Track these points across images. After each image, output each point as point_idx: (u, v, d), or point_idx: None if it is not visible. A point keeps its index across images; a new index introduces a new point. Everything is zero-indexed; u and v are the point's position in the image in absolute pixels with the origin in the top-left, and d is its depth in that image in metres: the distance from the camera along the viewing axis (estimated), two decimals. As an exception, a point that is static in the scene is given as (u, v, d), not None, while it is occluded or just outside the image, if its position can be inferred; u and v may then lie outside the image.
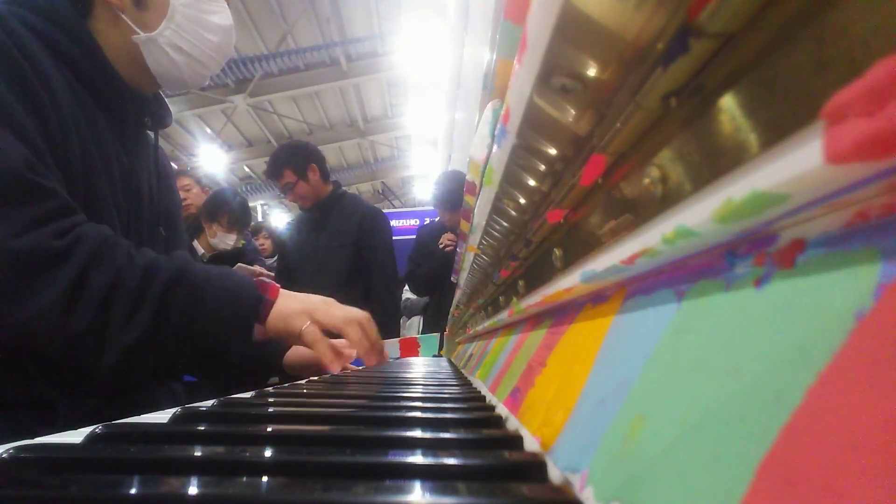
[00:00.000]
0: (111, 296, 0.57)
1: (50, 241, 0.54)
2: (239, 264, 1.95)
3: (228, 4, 0.80)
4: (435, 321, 2.34)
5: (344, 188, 2.16)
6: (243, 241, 2.20)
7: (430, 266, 2.27)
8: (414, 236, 2.49)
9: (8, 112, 0.56)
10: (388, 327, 1.97)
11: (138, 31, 0.71)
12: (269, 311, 0.67)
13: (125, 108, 0.73)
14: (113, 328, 0.57)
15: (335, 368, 0.69)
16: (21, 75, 0.58)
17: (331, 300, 0.74)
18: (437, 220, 2.35)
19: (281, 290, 0.70)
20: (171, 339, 0.61)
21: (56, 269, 0.54)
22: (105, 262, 0.57)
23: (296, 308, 0.69)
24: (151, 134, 0.82)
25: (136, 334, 0.57)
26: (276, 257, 2.68)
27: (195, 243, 2.07)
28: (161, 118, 0.81)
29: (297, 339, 0.69)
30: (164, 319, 0.59)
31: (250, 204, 2.56)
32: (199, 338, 0.63)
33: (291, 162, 1.95)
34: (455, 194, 2.09)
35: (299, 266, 2.04)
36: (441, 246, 2.20)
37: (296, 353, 0.82)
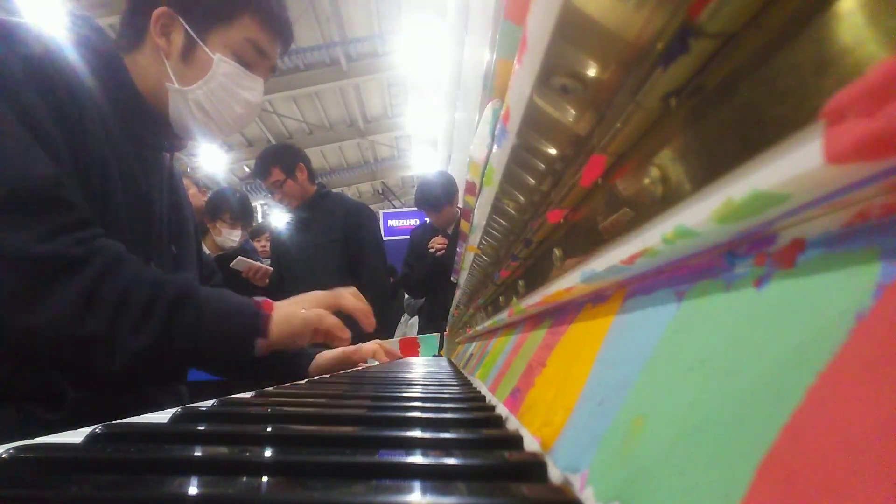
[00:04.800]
0: (121, 305, 0.59)
1: (70, 249, 0.57)
2: (239, 257, 1.95)
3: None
4: (429, 321, 2.34)
5: (342, 188, 2.17)
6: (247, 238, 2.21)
7: (422, 270, 2.27)
8: (409, 237, 2.49)
9: (40, 127, 0.58)
10: (382, 322, 1.97)
11: (174, 81, 0.74)
12: (269, 325, 0.70)
13: (146, 132, 0.76)
14: (121, 336, 0.59)
15: (346, 336, 0.77)
16: (53, 90, 0.60)
17: (313, 292, 0.81)
18: (427, 220, 2.35)
19: (275, 303, 0.75)
20: (176, 351, 0.63)
21: (73, 275, 0.57)
22: (118, 273, 0.60)
23: (291, 309, 0.74)
24: (167, 155, 0.84)
25: (143, 343, 0.60)
26: None
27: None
28: (178, 141, 0.83)
29: (304, 327, 0.73)
30: (168, 332, 0.62)
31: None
32: (205, 351, 0.66)
33: (280, 161, 1.98)
34: (434, 195, 2.11)
35: (290, 266, 2.05)
36: (431, 250, 2.20)
37: (317, 362, 0.91)
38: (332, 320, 0.75)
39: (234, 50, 0.76)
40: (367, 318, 0.83)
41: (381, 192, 9.90)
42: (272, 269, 2.06)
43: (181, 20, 0.73)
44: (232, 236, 2.09)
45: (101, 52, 0.70)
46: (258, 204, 8.41)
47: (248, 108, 0.80)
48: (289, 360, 0.91)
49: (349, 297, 0.82)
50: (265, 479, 0.20)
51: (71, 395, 0.62)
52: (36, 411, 0.59)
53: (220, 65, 0.75)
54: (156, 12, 0.72)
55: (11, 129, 0.56)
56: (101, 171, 0.65)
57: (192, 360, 0.67)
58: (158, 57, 0.73)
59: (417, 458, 0.22)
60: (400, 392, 0.46)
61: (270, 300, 0.74)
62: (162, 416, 0.34)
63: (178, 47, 0.73)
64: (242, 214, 2.13)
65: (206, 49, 0.74)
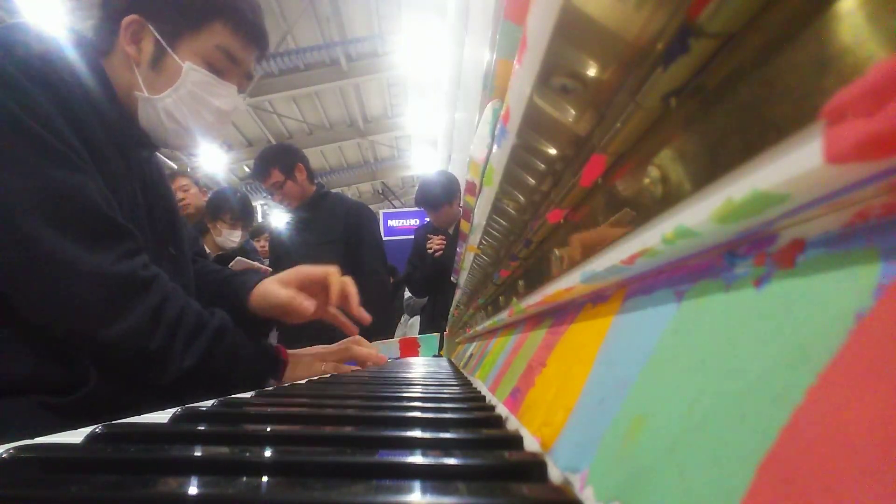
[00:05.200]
0: (178, 326, 0.65)
1: (141, 271, 0.63)
2: (238, 258, 1.95)
3: (241, 92, 0.82)
4: (431, 321, 2.34)
5: (342, 188, 2.18)
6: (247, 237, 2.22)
7: (424, 270, 2.27)
8: (413, 236, 2.50)
9: (75, 151, 0.60)
10: (381, 321, 1.97)
11: (144, 89, 0.73)
12: (285, 370, 0.78)
13: (123, 136, 0.74)
14: (175, 353, 0.65)
15: (309, 308, 0.80)
16: (69, 107, 0.61)
17: (326, 347, 0.89)
18: (427, 220, 2.36)
19: (285, 350, 0.81)
20: (209, 375, 0.69)
21: (144, 295, 0.62)
22: (175, 295, 0.66)
23: (299, 360, 0.81)
24: (146, 156, 0.84)
25: (189, 363, 0.66)
26: None
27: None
28: (153, 146, 0.83)
29: (308, 375, 0.80)
30: (209, 358, 0.68)
31: (249, 204, 2.59)
32: (228, 381, 0.71)
33: (279, 162, 1.97)
34: (433, 195, 2.12)
35: (290, 267, 2.05)
36: (430, 251, 2.21)
37: (263, 294, 0.85)
38: (361, 350, 0.87)
39: (204, 57, 0.75)
40: (378, 361, 0.91)
41: (381, 192, 9.89)
42: (271, 270, 2.06)
43: (151, 27, 0.72)
44: (232, 237, 2.10)
45: (84, 55, 0.69)
46: (258, 204, 8.41)
47: (220, 117, 0.79)
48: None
49: (357, 349, 0.89)
50: (265, 479, 0.20)
51: (93, 383, 0.64)
52: (48, 399, 0.61)
53: (190, 73, 0.74)
54: (125, 20, 0.71)
55: (45, 143, 0.57)
56: (109, 180, 0.66)
57: (215, 386, 0.70)
58: (129, 64, 0.73)
59: (417, 458, 0.22)
60: (400, 392, 0.46)
61: (283, 347, 0.80)
62: (162, 416, 0.34)
63: (148, 55, 0.73)
64: (243, 215, 2.13)
65: (176, 57, 0.73)
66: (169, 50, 0.73)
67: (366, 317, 0.86)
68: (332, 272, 0.85)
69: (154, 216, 0.79)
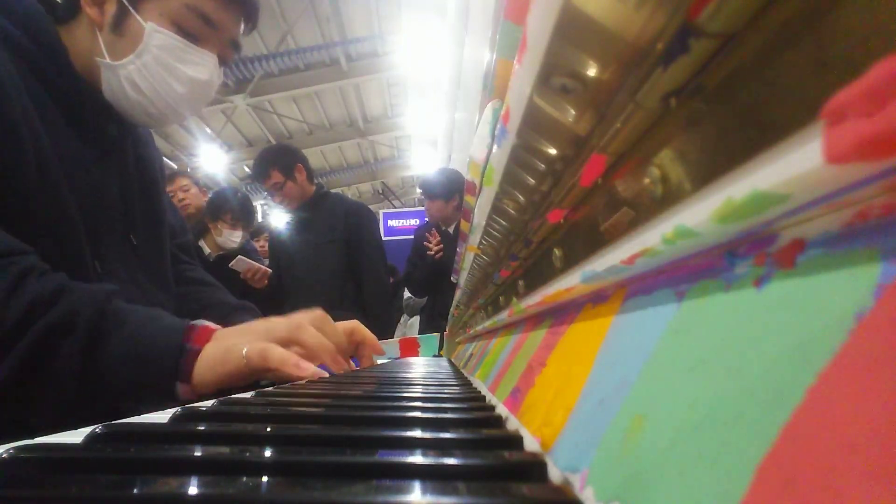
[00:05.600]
0: None
1: None
2: (239, 257, 1.96)
3: (225, 62, 0.72)
4: (430, 321, 2.35)
5: (342, 188, 2.19)
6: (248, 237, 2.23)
7: (423, 270, 2.28)
8: (413, 236, 2.51)
9: None
10: (382, 322, 1.97)
11: (105, 54, 0.66)
12: (194, 366, 0.53)
13: (84, 112, 0.68)
14: None
15: (304, 372, 0.55)
16: None
17: (273, 319, 0.63)
18: (427, 219, 2.39)
19: (218, 331, 0.58)
20: (54, 387, 0.50)
21: None
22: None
23: (230, 342, 0.56)
24: (149, 138, 0.78)
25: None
26: None
27: (201, 243, 2.08)
28: (128, 124, 0.74)
29: (245, 370, 0.55)
30: (39, 366, 0.49)
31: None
32: (100, 393, 0.52)
33: (277, 162, 1.98)
34: (430, 183, 2.18)
35: (290, 267, 2.05)
36: (430, 253, 2.22)
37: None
38: (277, 356, 0.54)
39: (173, 19, 0.66)
40: (336, 363, 0.62)
41: (381, 192, 9.90)
42: (271, 270, 2.06)
43: None
44: (233, 237, 2.10)
45: (32, 28, 0.61)
46: (258, 204, 8.42)
47: (194, 88, 0.69)
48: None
49: (311, 331, 0.61)
50: (265, 479, 0.20)
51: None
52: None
53: (154, 35, 0.65)
54: None
55: None
56: (36, 155, 0.58)
57: (86, 399, 0.51)
58: (92, 29, 0.65)
59: (417, 458, 0.22)
60: (400, 392, 0.46)
61: (210, 327, 0.58)
62: (162, 416, 0.34)
63: (110, 16, 0.65)
64: (243, 215, 2.13)
65: (139, 17, 0.64)
66: (131, 9, 0.64)
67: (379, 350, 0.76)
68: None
69: (125, 198, 0.71)
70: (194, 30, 0.68)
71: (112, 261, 0.69)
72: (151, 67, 0.66)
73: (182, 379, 0.53)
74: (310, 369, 0.56)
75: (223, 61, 0.74)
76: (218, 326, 0.59)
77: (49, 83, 0.63)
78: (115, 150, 0.73)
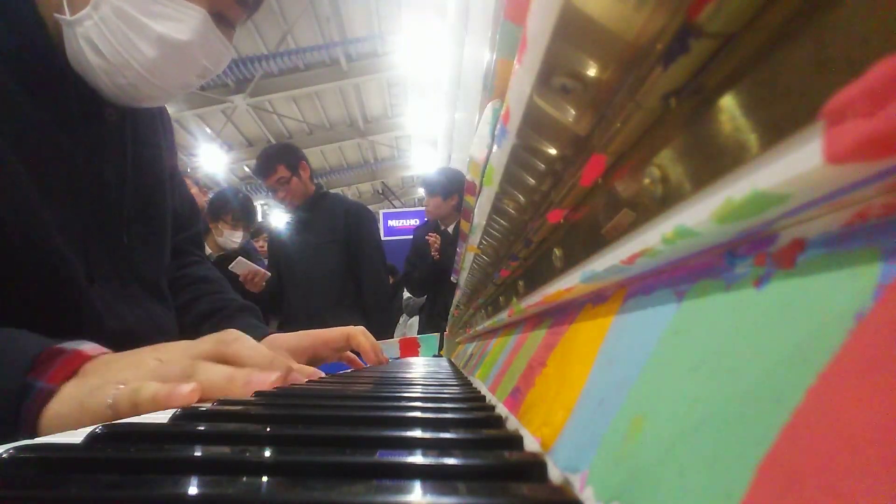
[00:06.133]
0: None
1: None
2: (239, 258, 1.95)
3: (230, 24, 0.60)
4: (430, 321, 2.35)
5: (342, 188, 2.21)
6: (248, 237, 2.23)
7: (423, 270, 2.29)
8: (412, 236, 2.51)
9: None
10: (382, 323, 1.97)
11: (65, 8, 0.52)
12: (42, 411, 0.38)
13: (67, 96, 0.57)
14: None
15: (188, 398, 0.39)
16: None
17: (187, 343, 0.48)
18: (427, 220, 2.40)
19: (92, 361, 0.42)
20: None
21: None
22: None
23: (93, 384, 0.40)
24: (123, 121, 0.63)
25: None
26: None
27: None
28: (115, 105, 0.62)
29: (103, 413, 0.38)
30: None
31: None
32: None
33: (284, 158, 2.00)
34: (430, 180, 2.20)
35: (290, 267, 2.05)
36: (435, 255, 2.23)
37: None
38: (148, 395, 0.38)
39: None
40: (276, 374, 0.47)
41: (381, 192, 9.90)
42: (270, 274, 2.06)
43: None
44: (233, 237, 2.10)
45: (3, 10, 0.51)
46: (259, 204, 8.42)
47: (169, 51, 0.54)
48: None
49: (237, 346, 0.48)
50: (265, 479, 0.20)
51: None
52: None
53: None
54: None
55: None
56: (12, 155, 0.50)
57: None
58: None
59: (417, 458, 0.22)
60: (400, 392, 0.46)
61: (83, 353, 0.42)
62: (162, 416, 0.34)
63: None
64: (244, 215, 2.14)
65: None
66: None
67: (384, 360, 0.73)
68: (353, 334, 0.66)
69: (102, 181, 0.60)
70: None
71: (102, 264, 0.61)
72: (111, 24, 0.52)
73: (24, 429, 0.38)
74: (192, 395, 0.39)
75: (225, 20, 0.59)
76: (98, 352, 0.43)
77: (18, 64, 0.52)
78: (114, 139, 0.62)
